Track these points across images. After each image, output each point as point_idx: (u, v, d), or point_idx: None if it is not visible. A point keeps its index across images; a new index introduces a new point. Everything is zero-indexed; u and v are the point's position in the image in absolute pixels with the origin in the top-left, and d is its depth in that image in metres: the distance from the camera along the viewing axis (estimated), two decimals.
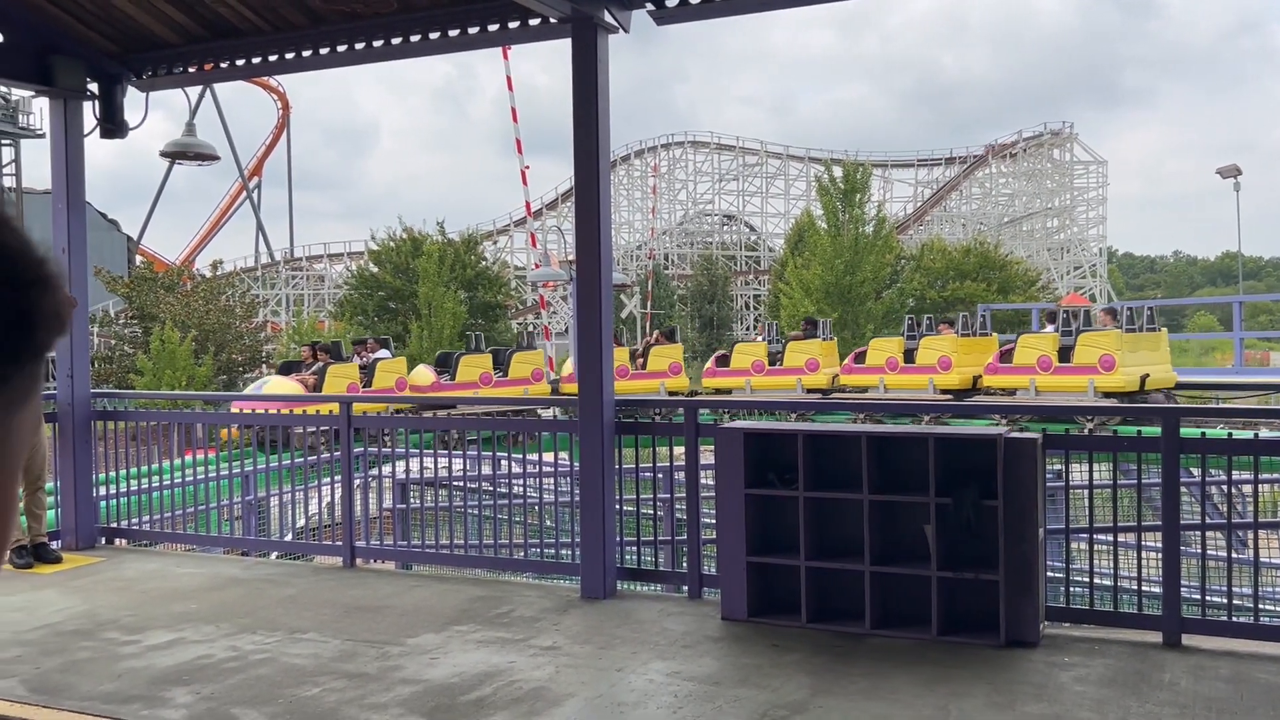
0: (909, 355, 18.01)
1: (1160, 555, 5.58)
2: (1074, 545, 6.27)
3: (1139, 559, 5.74)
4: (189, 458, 9.41)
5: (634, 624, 5.67)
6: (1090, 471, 5.65)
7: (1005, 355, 17.25)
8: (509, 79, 30.74)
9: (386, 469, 8.33)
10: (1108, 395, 15.71)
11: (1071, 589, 6.10)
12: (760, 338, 23.22)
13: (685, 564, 6.30)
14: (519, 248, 64.92)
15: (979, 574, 5.31)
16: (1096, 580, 5.81)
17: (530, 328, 56.17)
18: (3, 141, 42.87)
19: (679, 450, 6.57)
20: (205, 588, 6.62)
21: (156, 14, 7.28)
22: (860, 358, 19.36)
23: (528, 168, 29.93)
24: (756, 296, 69.07)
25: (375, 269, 45.43)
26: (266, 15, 7.16)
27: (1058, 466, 6.76)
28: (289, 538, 9.26)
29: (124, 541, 8.02)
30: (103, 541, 7.98)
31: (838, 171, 43.39)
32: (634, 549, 6.60)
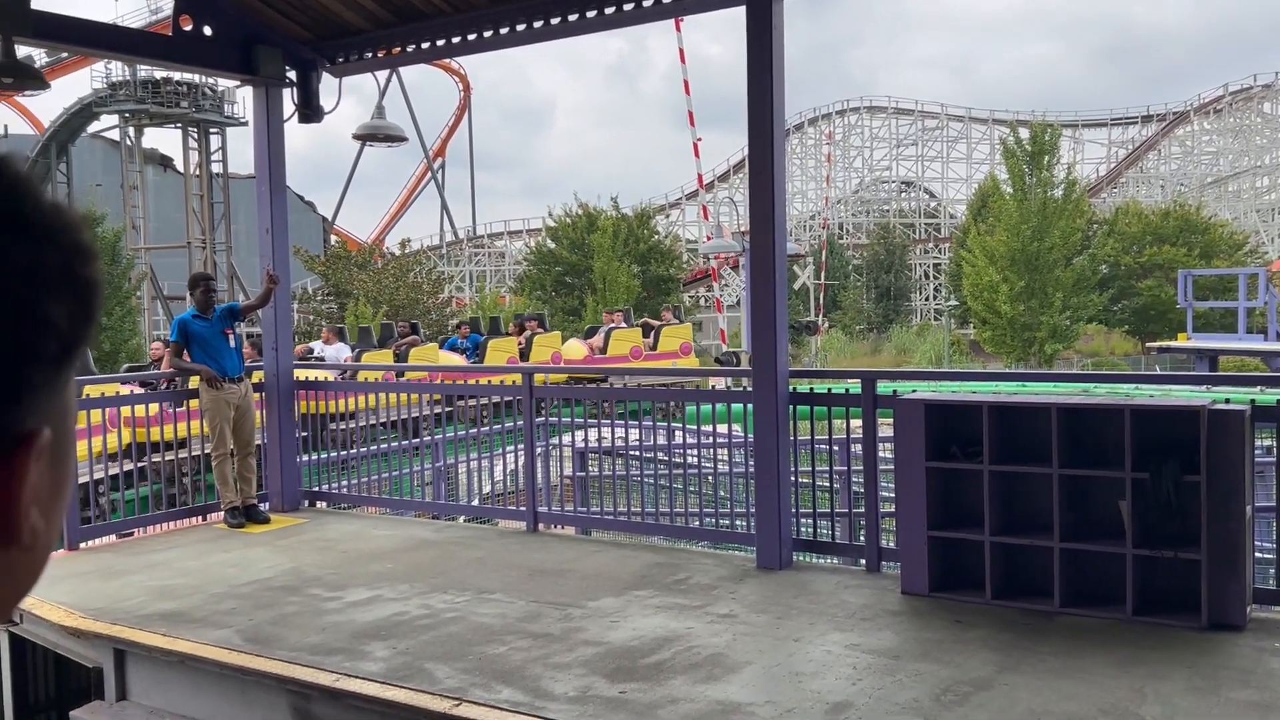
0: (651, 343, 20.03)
1: None
2: None
3: None
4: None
5: (811, 595, 5.64)
6: None
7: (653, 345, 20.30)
8: (681, 51, 30.81)
9: (566, 438, 8.53)
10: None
11: None
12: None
13: (863, 537, 6.22)
14: (691, 220, 65.04)
15: (1179, 553, 5.03)
16: None
17: (701, 300, 56.30)
18: (211, 130, 45.84)
19: (855, 422, 6.48)
20: (399, 549, 6.97)
21: (349, 2, 7.62)
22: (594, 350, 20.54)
23: (700, 140, 29.98)
24: (936, 265, 67.05)
25: (552, 245, 46.44)
26: None
27: (1269, 441, 6.32)
28: (475, 502, 9.64)
29: (324, 504, 8.52)
30: (305, 504, 8.50)
31: (1024, 133, 41.55)
32: (809, 520, 6.55)
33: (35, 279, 0.50)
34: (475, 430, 9.37)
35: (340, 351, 15.58)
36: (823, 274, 51.98)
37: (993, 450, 5.45)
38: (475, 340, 19.33)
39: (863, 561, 6.19)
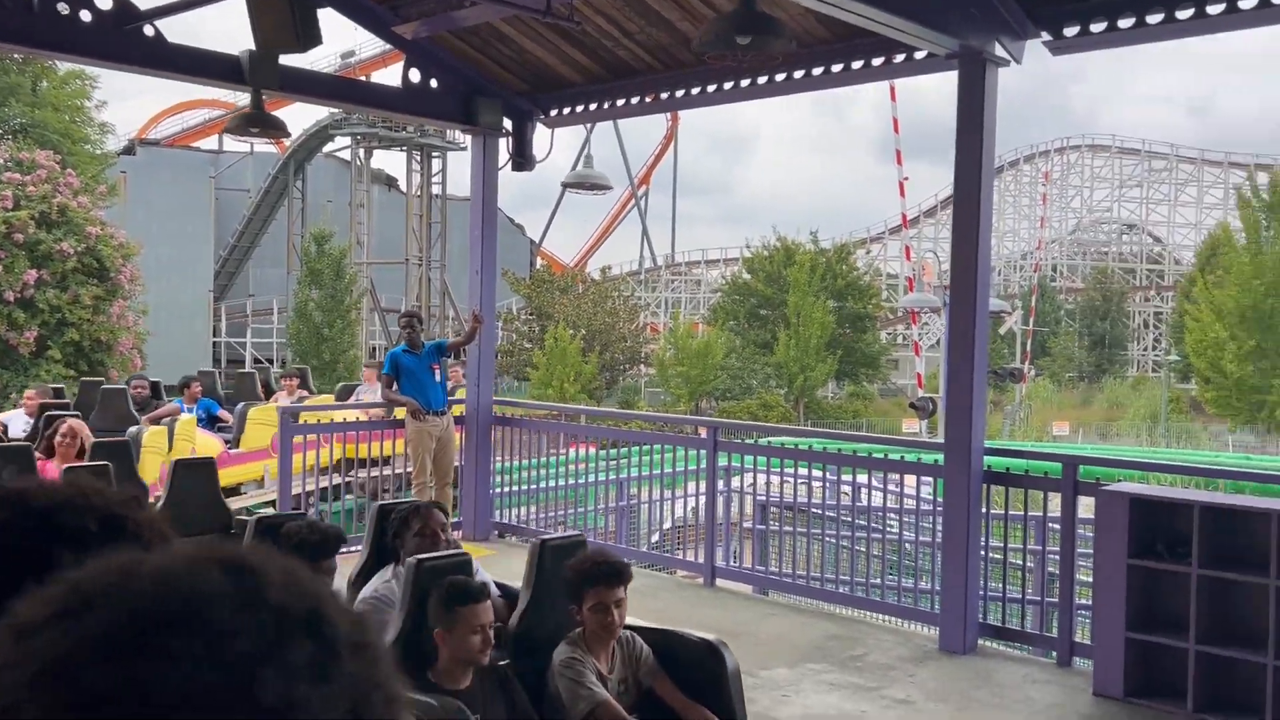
0: None
1: None
2: None
3: None
4: (573, 451, 10.19)
5: (994, 686, 5.42)
6: None
7: None
8: (892, 88, 30.37)
9: (747, 481, 8.51)
10: None
11: None
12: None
13: (1055, 628, 5.93)
14: (893, 256, 63.77)
15: None
16: None
17: (899, 338, 55.02)
18: (433, 153, 48.44)
19: (1055, 498, 6.19)
20: None
21: (564, 58, 7.93)
22: None
23: (906, 179, 29.40)
24: (1158, 314, 63.23)
25: (748, 277, 46.50)
26: (660, 56, 7.58)
27: None
28: (656, 537, 9.76)
29: (513, 537, 8.80)
30: (495, 535, 8.81)
31: (1262, 179, 38.73)
32: (998, 603, 6.30)
33: None
34: (660, 473, 9.49)
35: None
36: (1031, 319, 49.82)
37: (1202, 553, 5.10)
38: (209, 406, 11.82)
39: (1053, 654, 5.89)
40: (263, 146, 54.95)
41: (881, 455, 6.98)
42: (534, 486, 9.16)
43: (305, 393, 12.91)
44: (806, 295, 40.47)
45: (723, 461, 7.71)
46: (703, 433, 7.89)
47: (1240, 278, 36.60)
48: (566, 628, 3.71)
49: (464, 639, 3.36)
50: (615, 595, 3.58)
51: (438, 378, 8.29)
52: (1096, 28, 5.60)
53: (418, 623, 3.54)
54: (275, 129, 7.14)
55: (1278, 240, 36.27)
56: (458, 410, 8.65)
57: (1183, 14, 5.28)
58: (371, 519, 4.79)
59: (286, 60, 7.03)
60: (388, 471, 9.43)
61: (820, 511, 8.30)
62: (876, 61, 6.60)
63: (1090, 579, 6.15)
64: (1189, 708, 5.07)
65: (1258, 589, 4.98)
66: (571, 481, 9.65)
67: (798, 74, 6.91)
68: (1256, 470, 12.74)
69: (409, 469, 8.38)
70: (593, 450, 10.35)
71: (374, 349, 40.66)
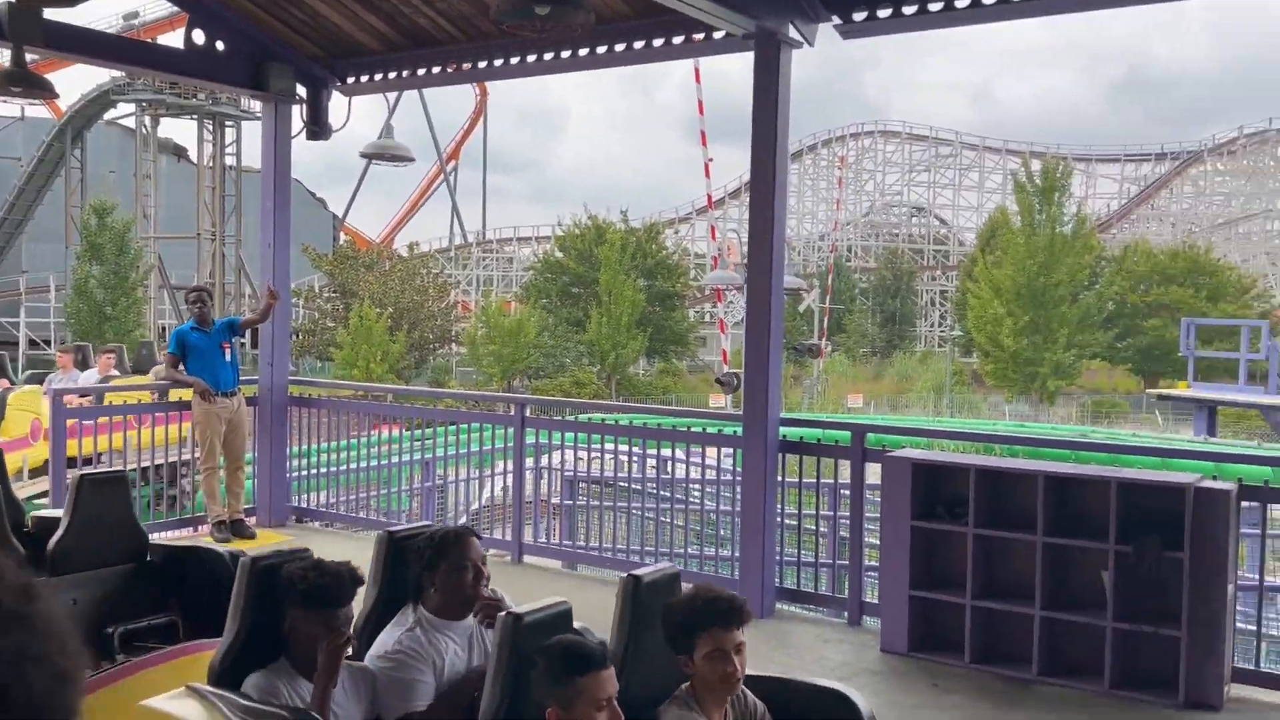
0: None
1: None
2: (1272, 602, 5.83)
3: None
4: (376, 434, 9.94)
5: (790, 648, 5.62)
6: None
7: None
8: (696, 71, 30.89)
9: (555, 459, 8.51)
10: None
11: (1265, 649, 5.67)
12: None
13: (846, 590, 6.20)
14: (700, 236, 65.10)
15: (1159, 628, 5.02)
16: None
17: (706, 316, 56.31)
18: (226, 123, 46.00)
19: (846, 466, 6.47)
20: None
21: (361, 24, 7.65)
22: None
23: (711, 160, 30.02)
24: (943, 293, 67.07)
25: (560, 255, 46.50)
26: (461, 25, 7.42)
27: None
28: (464, 519, 9.63)
29: (314, 522, 8.51)
30: (293, 520, 8.48)
31: (1036, 166, 41.58)
32: (794, 568, 6.54)
33: None
34: (468, 451, 9.37)
35: None
36: (828, 297, 51.95)
37: (978, 513, 5.43)
38: None
39: (845, 614, 6.17)
40: (36, 111, 50.87)
41: (686, 429, 7.09)
42: (335, 469, 8.88)
43: (6, 382, 11.88)
44: (617, 274, 40.82)
45: (531, 439, 7.67)
46: (511, 410, 7.82)
47: (1016, 258, 39.28)
48: (666, 683, 2.96)
49: (586, 718, 2.58)
50: (735, 639, 2.86)
51: (228, 357, 7.88)
52: (883, 13, 5.84)
53: (517, 696, 2.78)
54: (40, 89, 6.58)
55: (1049, 223, 39.08)
56: (249, 391, 8.26)
57: (961, 2, 5.57)
58: (380, 549, 3.57)
59: (55, 15, 6.50)
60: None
61: (628, 485, 8.40)
62: (677, 40, 6.67)
63: (879, 541, 6.47)
64: (966, 659, 5.41)
65: (1026, 545, 5.35)
66: (377, 463, 9.40)
67: (600, 49, 6.91)
68: (1028, 436, 13.74)
69: (196, 454, 7.95)
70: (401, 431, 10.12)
71: (163, 328, 38.44)
